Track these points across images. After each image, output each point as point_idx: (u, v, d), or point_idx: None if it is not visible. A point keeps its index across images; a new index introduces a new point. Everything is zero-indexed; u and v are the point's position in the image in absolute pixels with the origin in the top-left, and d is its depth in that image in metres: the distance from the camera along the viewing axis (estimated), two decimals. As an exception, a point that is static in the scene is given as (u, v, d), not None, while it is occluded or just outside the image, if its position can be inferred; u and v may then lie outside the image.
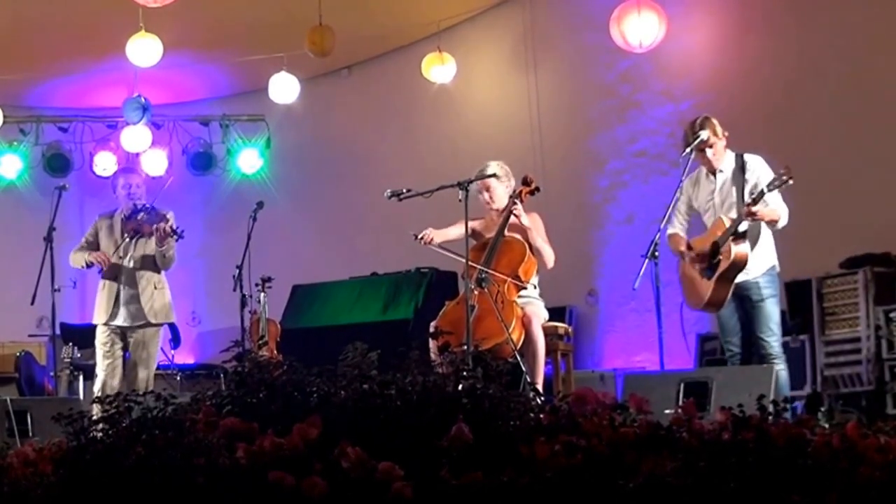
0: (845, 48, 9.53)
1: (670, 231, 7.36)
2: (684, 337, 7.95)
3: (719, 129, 7.15)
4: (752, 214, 6.82)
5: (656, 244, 7.06)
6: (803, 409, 8.09)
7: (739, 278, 7.01)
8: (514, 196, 7.67)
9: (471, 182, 7.44)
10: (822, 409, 7.97)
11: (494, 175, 7.75)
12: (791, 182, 6.70)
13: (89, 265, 8.43)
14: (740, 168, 7.11)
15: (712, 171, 7.22)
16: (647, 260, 7.03)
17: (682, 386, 6.30)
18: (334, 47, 10.88)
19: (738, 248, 6.92)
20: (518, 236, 7.67)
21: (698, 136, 7.25)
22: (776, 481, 3.53)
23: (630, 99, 11.09)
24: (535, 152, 11.39)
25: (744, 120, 8.98)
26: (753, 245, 7.01)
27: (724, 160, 7.19)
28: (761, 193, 6.78)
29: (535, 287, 7.75)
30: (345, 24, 10.85)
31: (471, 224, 7.48)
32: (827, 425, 4.16)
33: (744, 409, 3.80)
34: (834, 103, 9.49)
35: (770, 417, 3.80)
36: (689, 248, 7.25)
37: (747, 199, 6.91)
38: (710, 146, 7.13)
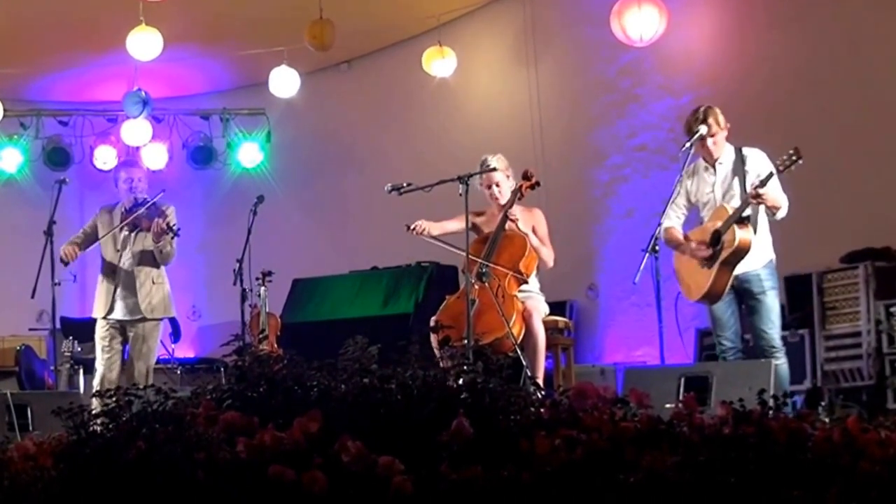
0: (846, 43, 9.52)
1: (666, 224, 7.25)
2: (680, 335, 7.93)
3: (721, 120, 7.06)
4: (758, 197, 6.73)
5: (656, 238, 7.03)
6: (803, 403, 8.11)
7: (740, 269, 6.95)
8: (514, 191, 7.67)
9: (471, 176, 7.43)
10: (823, 403, 7.97)
11: (496, 168, 7.73)
12: (800, 162, 6.66)
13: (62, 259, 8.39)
14: (740, 161, 7.05)
15: (711, 164, 7.16)
16: (647, 254, 7.00)
17: (682, 380, 6.29)
18: (335, 41, 10.87)
19: (742, 234, 6.84)
20: (518, 231, 7.67)
21: (697, 131, 7.23)
22: (777, 476, 3.53)
23: (630, 93, 11.08)
24: (535, 147, 11.38)
25: (744, 114, 8.96)
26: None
27: (724, 152, 7.13)
28: (770, 175, 6.72)
29: (535, 281, 7.75)
30: (345, 18, 10.85)
31: (472, 218, 7.47)
32: (827, 420, 4.16)
33: (744, 403, 3.80)
34: (834, 97, 9.49)
35: (770, 412, 3.80)
36: (688, 239, 7.19)
37: (751, 187, 6.84)
38: (712, 135, 7.05)
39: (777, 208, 6.90)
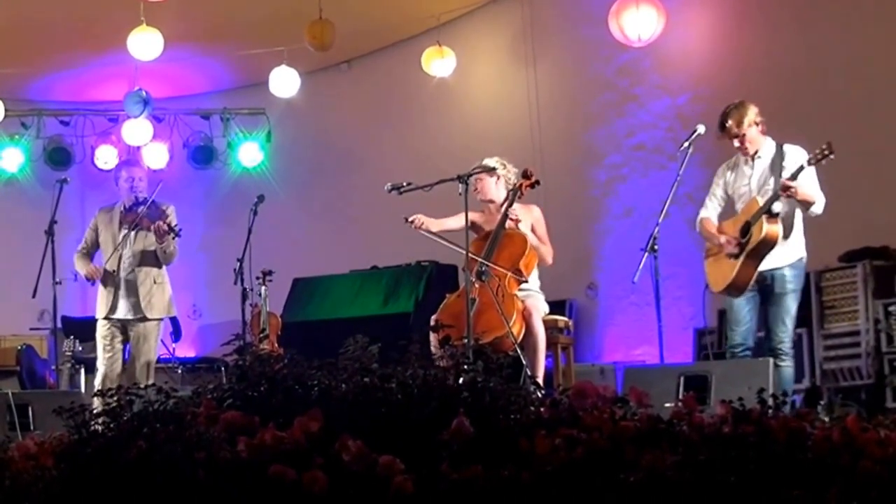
0: (843, 41, 9.53)
1: (703, 215, 7.32)
2: (704, 322, 7.89)
3: (747, 119, 7.03)
4: (788, 189, 6.72)
5: (655, 238, 7.05)
6: (802, 402, 8.11)
7: (767, 266, 6.94)
8: (513, 190, 7.68)
9: (471, 175, 7.45)
10: (822, 402, 7.97)
11: (488, 168, 7.77)
12: (832, 156, 6.64)
13: (86, 278, 8.43)
14: (779, 156, 7.05)
15: (751, 157, 7.14)
16: (646, 253, 7.02)
17: (681, 379, 6.31)
18: (334, 41, 10.88)
19: (770, 227, 6.86)
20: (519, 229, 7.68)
21: (695, 130, 7.25)
22: (776, 475, 3.53)
23: (628, 93, 11.10)
24: (534, 146, 11.39)
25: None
26: (788, 233, 6.95)
27: (764, 147, 7.12)
28: (800, 168, 6.72)
29: (535, 280, 7.76)
30: (345, 18, 10.86)
31: (471, 216, 7.49)
32: (827, 419, 4.17)
33: (744, 402, 3.81)
34: (832, 96, 9.49)
35: (770, 411, 3.80)
36: (721, 231, 7.21)
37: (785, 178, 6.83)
38: (736, 137, 7.06)
39: (810, 202, 6.89)
